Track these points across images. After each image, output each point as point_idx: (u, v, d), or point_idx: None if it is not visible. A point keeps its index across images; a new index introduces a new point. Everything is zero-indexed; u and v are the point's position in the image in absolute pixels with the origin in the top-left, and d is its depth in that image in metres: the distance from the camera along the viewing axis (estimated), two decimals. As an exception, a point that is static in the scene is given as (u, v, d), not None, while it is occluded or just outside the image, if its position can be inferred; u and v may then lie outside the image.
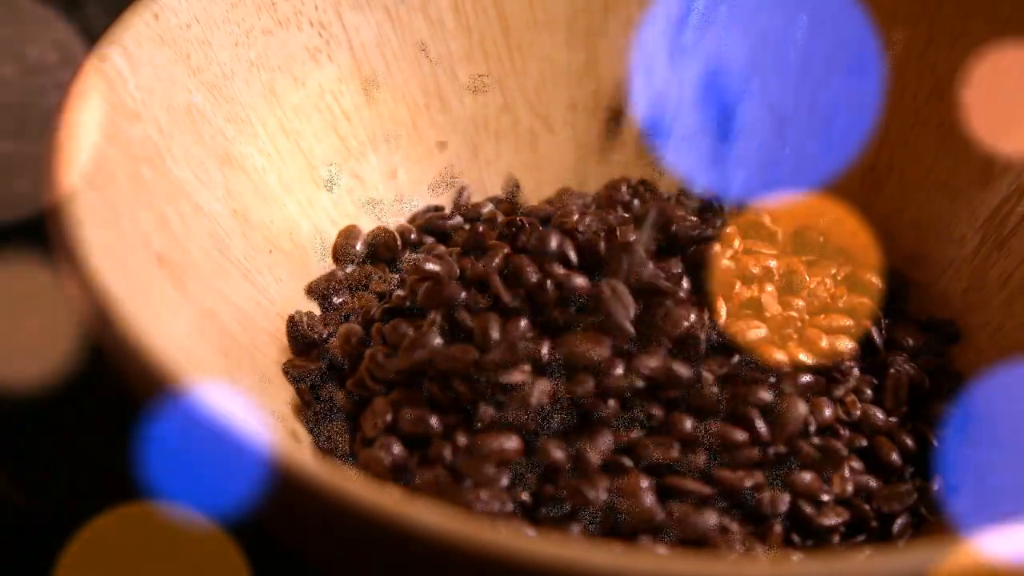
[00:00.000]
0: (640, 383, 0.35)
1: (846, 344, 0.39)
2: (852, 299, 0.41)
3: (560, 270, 0.37)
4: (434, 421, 0.35)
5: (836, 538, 0.35)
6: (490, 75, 0.45)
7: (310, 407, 0.37)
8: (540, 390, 0.35)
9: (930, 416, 0.39)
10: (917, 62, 0.43)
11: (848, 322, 0.40)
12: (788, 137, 0.45)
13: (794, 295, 0.41)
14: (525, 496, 0.34)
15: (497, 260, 0.38)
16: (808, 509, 0.35)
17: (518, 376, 0.35)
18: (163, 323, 0.31)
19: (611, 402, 0.35)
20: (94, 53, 0.36)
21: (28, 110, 0.53)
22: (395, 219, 0.44)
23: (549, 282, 0.37)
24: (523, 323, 0.36)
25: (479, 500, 0.33)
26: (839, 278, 0.42)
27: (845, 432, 0.37)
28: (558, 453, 0.34)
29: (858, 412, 0.38)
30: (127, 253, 0.33)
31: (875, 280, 0.41)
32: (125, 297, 0.30)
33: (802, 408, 0.36)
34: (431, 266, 0.38)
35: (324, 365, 0.38)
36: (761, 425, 0.36)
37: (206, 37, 0.39)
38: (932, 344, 0.40)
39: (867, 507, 0.36)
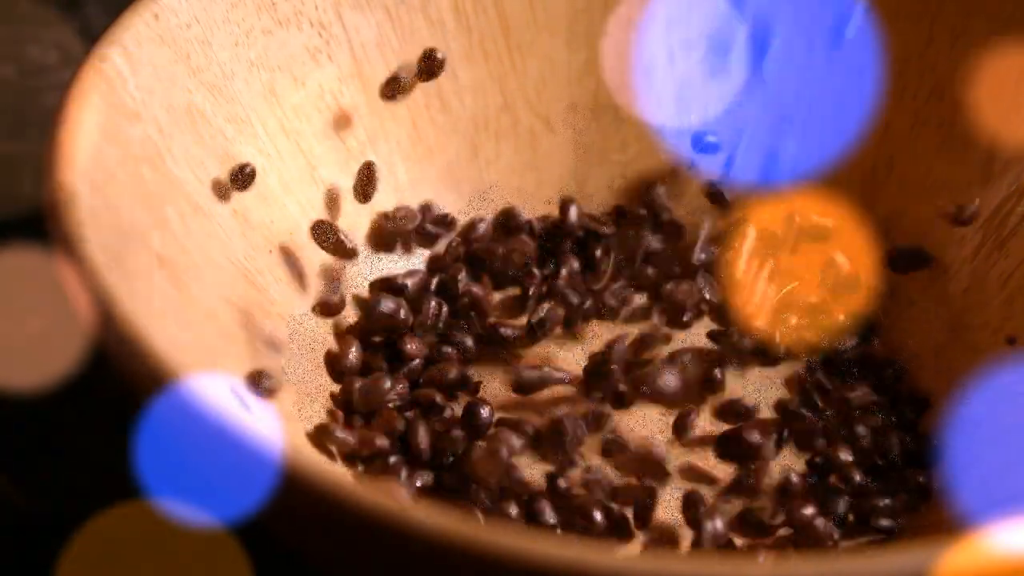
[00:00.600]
0: None
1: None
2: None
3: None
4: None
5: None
6: (490, 75, 0.45)
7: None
8: None
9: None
10: (917, 62, 0.43)
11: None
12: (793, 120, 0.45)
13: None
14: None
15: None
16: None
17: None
18: (163, 323, 0.31)
19: None
20: (94, 53, 0.36)
21: (28, 110, 0.53)
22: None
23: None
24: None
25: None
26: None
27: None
28: None
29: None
30: (127, 253, 0.33)
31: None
32: (125, 297, 0.30)
33: None
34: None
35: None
36: None
37: (206, 37, 0.39)
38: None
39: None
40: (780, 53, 0.45)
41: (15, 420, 0.41)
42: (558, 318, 0.41)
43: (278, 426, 0.35)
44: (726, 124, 0.45)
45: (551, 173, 0.46)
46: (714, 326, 0.42)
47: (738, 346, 0.41)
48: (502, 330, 0.41)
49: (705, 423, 0.39)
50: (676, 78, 0.45)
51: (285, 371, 0.38)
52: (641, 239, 0.43)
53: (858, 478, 0.37)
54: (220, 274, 0.37)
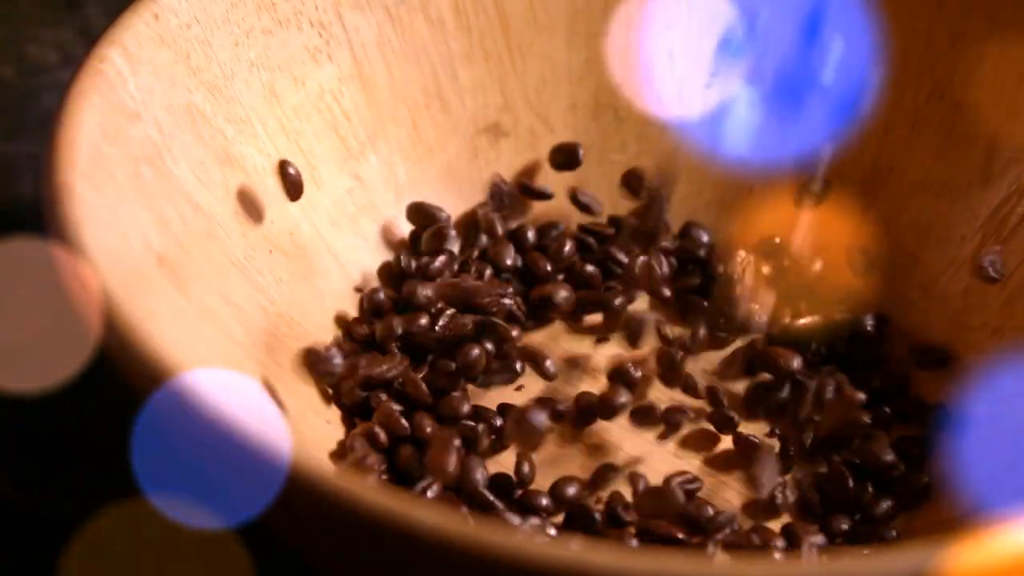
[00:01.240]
0: None
1: None
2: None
3: None
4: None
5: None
6: (490, 75, 0.45)
7: None
8: None
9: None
10: (917, 62, 0.43)
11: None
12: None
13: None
14: None
15: None
16: None
17: None
18: (163, 323, 0.31)
19: None
20: (94, 53, 0.36)
21: (28, 110, 0.53)
22: (395, 220, 0.44)
23: None
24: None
25: None
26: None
27: None
28: None
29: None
30: (127, 253, 0.33)
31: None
32: (125, 297, 0.30)
33: None
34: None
35: None
36: None
37: (206, 37, 0.39)
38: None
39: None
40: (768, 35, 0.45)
41: (15, 420, 0.41)
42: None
43: (278, 426, 0.35)
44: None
45: (551, 173, 0.46)
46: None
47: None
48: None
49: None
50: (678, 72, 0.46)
51: (285, 370, 0.38)
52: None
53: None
54: (220, 274, 0.37)
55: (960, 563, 0.25)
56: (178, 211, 0.36)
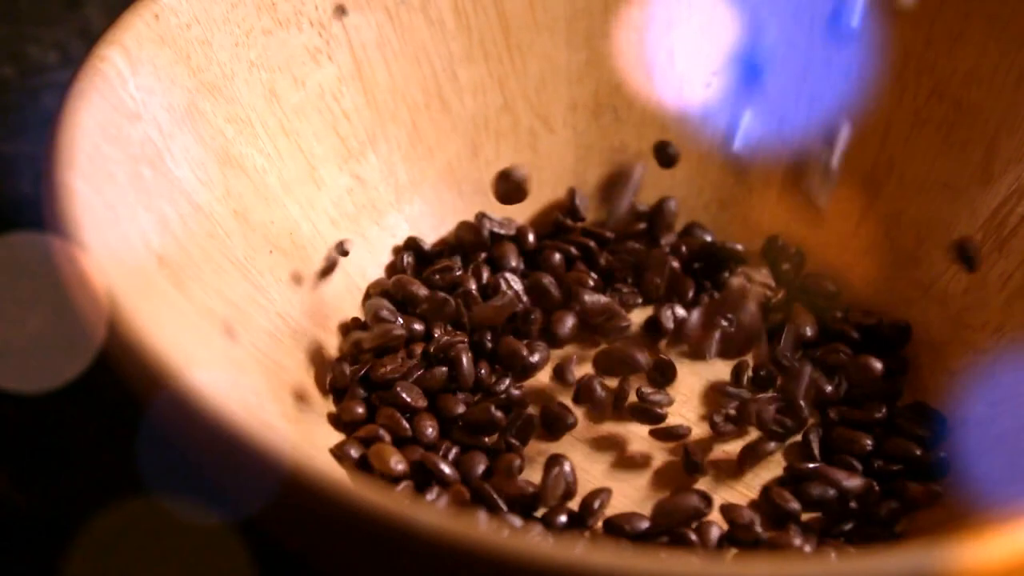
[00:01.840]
0: None
1: None
2: None
3: None
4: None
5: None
6: (490, 75, 0.45)
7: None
8: None
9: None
10: (917, 62, 0.43)
11: None
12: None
13: None
14: None
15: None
16: None
17: None
18: (163, 323, 0.31)
19: None
20: (94, 53, 0.36)
21: (28, 110, 0.53)
22: (395, 221, 0.44)
23: None
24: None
25: None
26: None
27: None
28: None
29: None
30: (127, 253, 0.33)
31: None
32: (125, 297, 0.30)
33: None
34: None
35: None
36: None
37: (206, 37, 0.39)
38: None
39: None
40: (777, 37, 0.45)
41: (15, 420, 0.41)
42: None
43: (278, 426, 0.35)
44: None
45: (551, 173, 0.46)
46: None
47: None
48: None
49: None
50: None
51: (285, 370, 0.38)
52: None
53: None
54: (220, 274, 0.37)
55: (962, 563, 0.25)
56: (178, 211, 0.36)
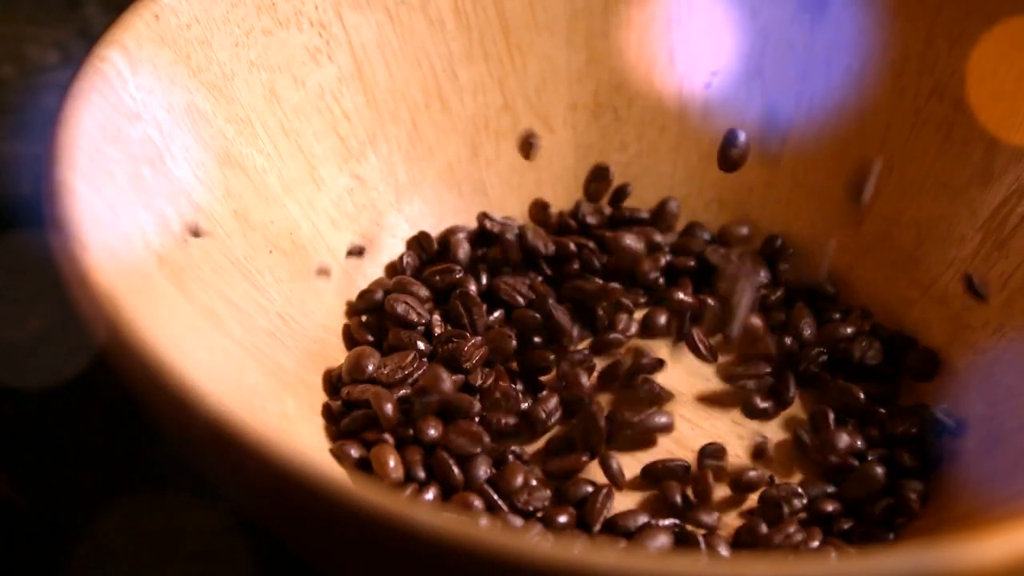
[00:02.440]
0: None
1: None
2: None
3: None
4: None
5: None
6: (490, 75, 0.45)
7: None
8: None
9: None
10: (917, 62, 0.43)
11: None
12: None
13: None
14: None
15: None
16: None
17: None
18: (164, 323, 0.31)
19: None
20: (94, 53, 0.36)
21: (28, 110, 0.53)
22: (395, 221, 0.44)
23: None
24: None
25: None
26: None
27: None
28: None
29: None
30: (127, 253, 0.33)
31: None
32: (125, 297, 0.30)
33: None
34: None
35: None
36: None
37: (206, 37, 0.39)
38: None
39: None
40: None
41: (15, 420, 0.41)
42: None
43: (278, 426, 0.35)
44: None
45: (551, 173, 0.46)
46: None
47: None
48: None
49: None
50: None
51: (285, 370, 0.38)
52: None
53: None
54: (220, 274, 0.37)
55: (962, 563, 0.25)
56: (178, 211, 0.36)
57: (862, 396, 0.40)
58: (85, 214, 0.31)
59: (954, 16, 0.42)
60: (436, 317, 0.41)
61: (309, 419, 0.38)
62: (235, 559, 0.37)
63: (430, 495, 0.37)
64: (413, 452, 0.37)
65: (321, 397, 0.39)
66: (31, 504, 0.39)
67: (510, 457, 0.38)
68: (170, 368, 0.28)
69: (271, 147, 0.41)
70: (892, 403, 0.40)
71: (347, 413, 0.38)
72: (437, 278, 0.42)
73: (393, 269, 0.43)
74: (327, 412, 0.39)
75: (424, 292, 0.42)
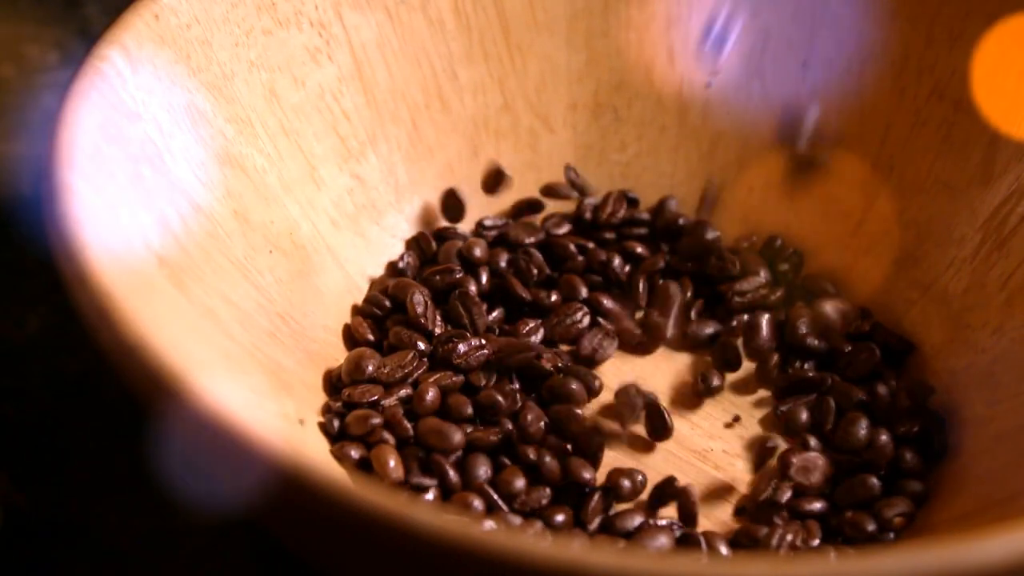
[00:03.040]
0: None
1: None
2: None
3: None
4: None
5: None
6: (490, 75, 0.45)
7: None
8: None
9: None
10: (917, 62, 0.43)
11: None
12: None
13: None
14: None
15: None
16: None
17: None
18: (163, 323, 0.31)
19: None
20: (94, 53, 0.36)
21: (28, 110, 0.53)
22: (395, 221, 0.44)
23: None
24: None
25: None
26: None
27: None
28: None
29: None
30: (127, 253, 0.33)
31: None
32: (125, 297, 0.30)
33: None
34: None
35: None
36: None
37: (206, 37, 0.39)
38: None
39: None
40: None
41: (15, 420, 0.41)
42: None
43: (278, 426, 0.35)
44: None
45: (551, 173, 0.46)
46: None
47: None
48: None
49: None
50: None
51: (286, 370, 0.38)
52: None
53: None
54: (220, 274, 0.37)
55: (962, 563, 0.25)
56: (178, 211, 0.36)
57: (863, 397, 0.40)
58: (85, 214, 0.31)
59: (954, 16, 0.42)
60: (437, 317, 0.41)
61: (309, 419, 0.38)
62: (235, 559, 0.37)
63: (430, 495, 0.37)
64: (413, 452, 0.38)
65: (321, 397, 0.39)
66: (31, 504, 0.39)
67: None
68: (170, 368, 0.28)
69: (271, 147, 0.41)
70: (892, 403, 0.40)
71: (347, 413, 0.38)
72: (437, 278, 0.42)
73: (393, 269, 0.43)
74: (327, 413, 0.39)
75: (424, 292, 0.42)
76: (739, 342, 0.42)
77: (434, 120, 0.45)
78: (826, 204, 0.44)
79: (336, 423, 0.38)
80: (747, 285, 0.43)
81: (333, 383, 0.40)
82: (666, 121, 0.46)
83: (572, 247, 0.44)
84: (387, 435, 0.38)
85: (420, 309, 0.41)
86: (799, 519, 0.37)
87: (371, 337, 0.41)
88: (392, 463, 0.37)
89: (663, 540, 0.35)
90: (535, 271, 0.43)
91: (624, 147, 0.47)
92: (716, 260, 0.44)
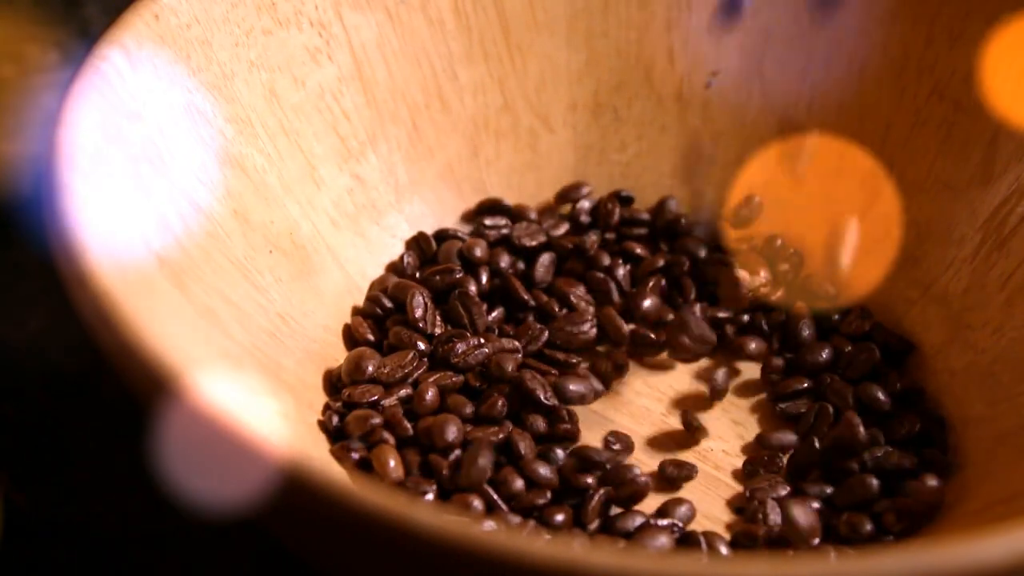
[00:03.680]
0: None
1: None
2: None
3: None
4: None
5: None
6: (490, 75, 0.45)
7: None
8: None
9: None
10: (917, 62, 0.43)
11: None
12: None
13: None
14: None
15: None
16: None
17: None
18: (163, 323, 0.31)
19: None
20: (94, 53, 0.36)
21: (28, 110, 0.53)
22: (395, 221, 0.44)
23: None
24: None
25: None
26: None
27: None
28: None
29: None
30: (127, 253, 0.33)
31: None
32: (125, 297, 0.30)
33: None
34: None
35: None
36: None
37: (206, 37, 0.39)
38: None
39: None
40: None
41: (15, 420, 0.41)
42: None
43: (278, 425, 0.35)
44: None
45: (551, 173, 0.46)
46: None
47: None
48: None
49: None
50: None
51: (286, 370, 0.38)
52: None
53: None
54: (220, 274, 0.37)
55: (962, 563, 0.25)
56: (178, 211, 0.36)
57: (862, 397, 0.40)
58: (85, 214, 0.31)
59: (954, 16, 0.42)
60: (437, 319, 0.41)
61: (309, 419, 0.38)
62: (235, 559, 0.37)
63: (430, 495, 0.37)
64: (413, 453, 0.38)
65: (321, 397, 0.39)
66: (31, 504, 0.39)
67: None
68: (170, 368, 0.28)
69: (271, 147, 0.41)
70: (893, 404, 0.40)
71: (347, 413, 0.38)
72: (437, 278, 0.42)
73: (393, 269, 0.43)
74: (327, 413, 0.39)
75: (425, 293, 0.42)
76: (739, 342, 0.42)
77: (434, 120, 0.45)
78: (826, 204, 0.44)
79: (336, 423, 0.38)
80: (747, 285, 0.43)
81: (333, 383, 0.40)
82: (666, 121, 0.46)
83: (571, 247, 0.44)
84: (387, 435, 0.38)
85: (420, 312, 0.41)
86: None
87: (371, 337, 0.41)
88: (392, 463, 0.37)
89: (663, 540, 0.35)
90: (540, 272, 0.43)
91: (624, 147, 0.47)
92: (716, 260, 0.44)
